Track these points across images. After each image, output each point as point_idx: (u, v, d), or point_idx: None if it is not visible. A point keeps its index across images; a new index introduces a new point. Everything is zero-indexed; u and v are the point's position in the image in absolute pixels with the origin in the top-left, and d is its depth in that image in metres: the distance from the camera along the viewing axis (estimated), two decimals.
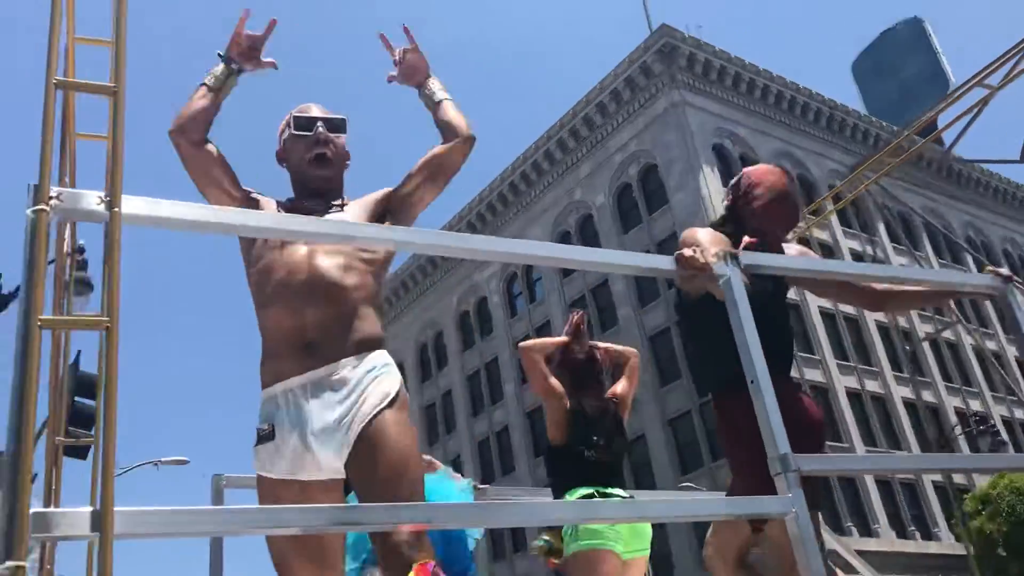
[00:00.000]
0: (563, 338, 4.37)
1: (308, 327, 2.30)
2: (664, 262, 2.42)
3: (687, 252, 2.41)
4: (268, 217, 1.84)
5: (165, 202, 1.74)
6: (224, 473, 3.79)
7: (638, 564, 3.97)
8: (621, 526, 3.85)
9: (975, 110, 6.49)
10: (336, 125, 2.65)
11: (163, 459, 18.91)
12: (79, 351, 9.91)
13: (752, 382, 2.22)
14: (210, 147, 2.56)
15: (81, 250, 11.11)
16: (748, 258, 2.38)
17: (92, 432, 10.03)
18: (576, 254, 2.36)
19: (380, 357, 2.38)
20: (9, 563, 1.43)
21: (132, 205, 1.71)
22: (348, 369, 2.31)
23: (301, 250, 2.33)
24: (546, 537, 3.99)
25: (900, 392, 34.82)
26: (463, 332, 45.01)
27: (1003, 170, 47.62)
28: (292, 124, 2.64)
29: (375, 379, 2.33)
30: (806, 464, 2.15)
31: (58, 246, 3.41)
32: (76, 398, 9.65)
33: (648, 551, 4.00)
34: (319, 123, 2.61)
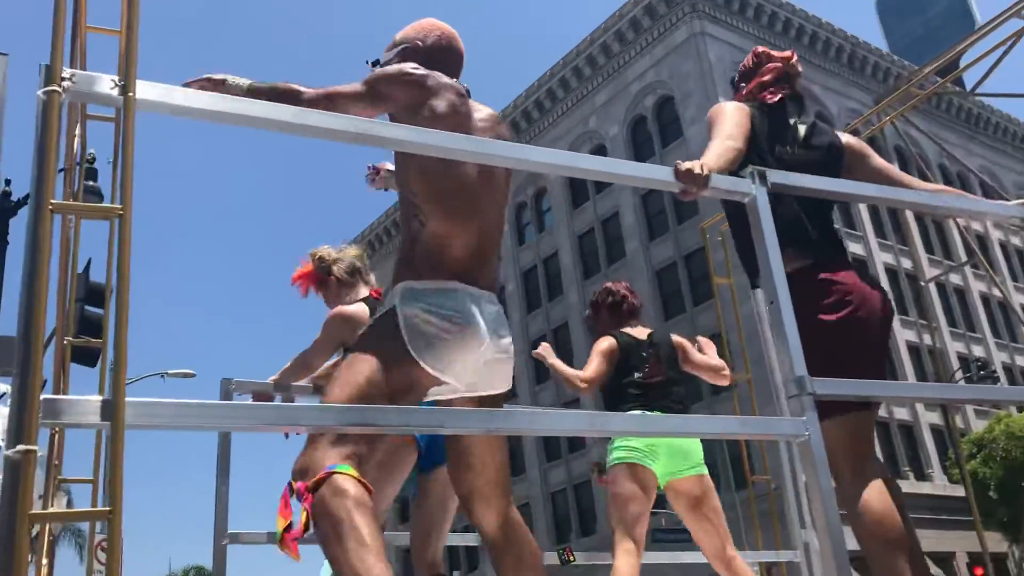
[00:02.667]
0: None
1: None
2: (663, 173, 2.35)
3: (685, 166, 2.33)
4: (287, 111, 1.78)
5: (180, 89, 1.68)
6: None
7: (689, 482, 4.14)
8: (658, 447, 4.06)
9: (1008, 43, 6.33)
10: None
11: (169, 371, 19.11)
12: (89, 259, 9.91)
13: (771, 303, 2.18)
14: None
15: (92, 159, 11.03)
16: (777, 176, 2.32)
17: (101, 338, 10.10)
18: (578, 161, 2.28)
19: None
20: (20, 447, 1.42)
21: (147, 91, 1.66)
22: None
23: None
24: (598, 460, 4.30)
25: (904, 335, 34.88)
26: None
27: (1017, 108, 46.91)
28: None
29: None
30: (821, 387, 2.13)
31: (68, 146, 3.36)
32: (86, 307, 9.67)
33: (700, 469, 4.17)
34: None
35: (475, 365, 2.20)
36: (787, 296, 2.17)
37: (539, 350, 4.45)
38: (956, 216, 3.44)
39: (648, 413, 4.06)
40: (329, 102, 2.23)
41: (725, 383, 4.58)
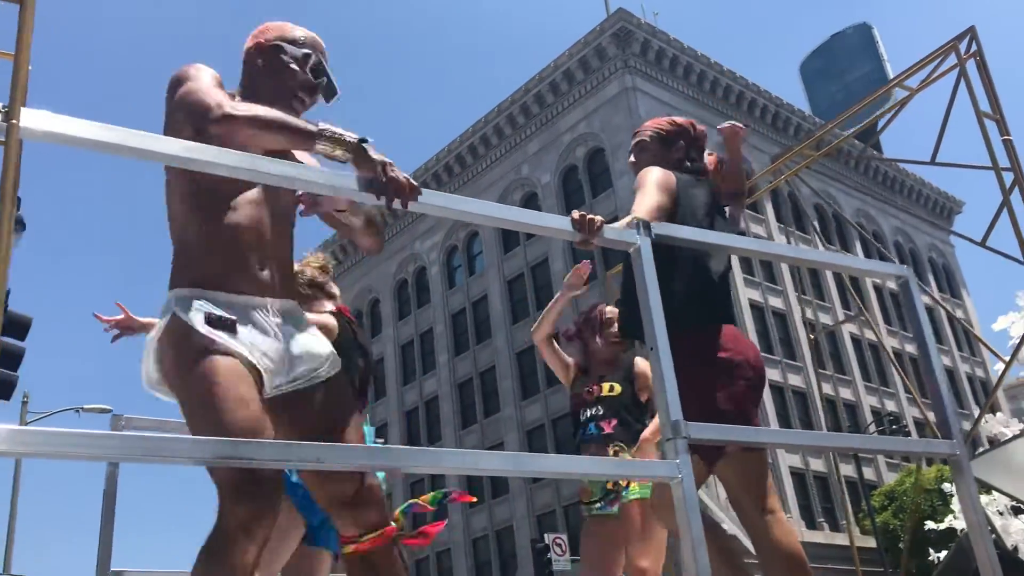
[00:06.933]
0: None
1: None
2: (562, 223, 2.43)
3: (576, 215, 2.43)
4: (176, 144, 1.81)
5: (67, 118, 1.69)
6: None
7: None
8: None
9: (894, 110, 6.83)
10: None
11: (85, 406, 18.50)
12: (8, 289, 9.67)
13: (652, 349, 2.26)
14: None
15: None
16: (661, 228, 2.42)
17: (18, 372, 9.79)
18: (485, 209, 2.32)
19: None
20: None
21: (32, 119, 1.66)
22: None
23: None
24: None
25: (823, 388, 35.77)
26: (399, 301, 44.79)
27: (932, 175, 49.02)
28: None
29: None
30: (696, 431, 2.21)
31: None
32: (4, 337, 9.47)
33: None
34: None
35: None
36: (666, 343, 2.25)
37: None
38: (837, 272, 3.64)
39: None
40: None
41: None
